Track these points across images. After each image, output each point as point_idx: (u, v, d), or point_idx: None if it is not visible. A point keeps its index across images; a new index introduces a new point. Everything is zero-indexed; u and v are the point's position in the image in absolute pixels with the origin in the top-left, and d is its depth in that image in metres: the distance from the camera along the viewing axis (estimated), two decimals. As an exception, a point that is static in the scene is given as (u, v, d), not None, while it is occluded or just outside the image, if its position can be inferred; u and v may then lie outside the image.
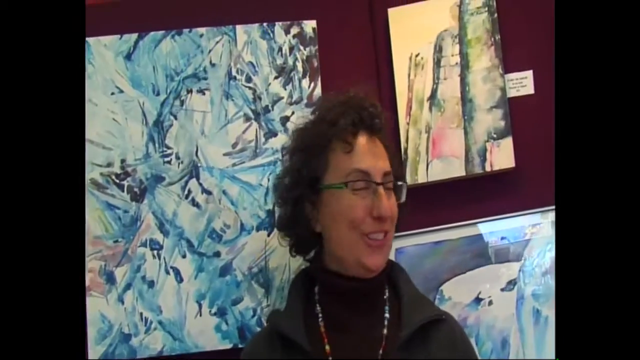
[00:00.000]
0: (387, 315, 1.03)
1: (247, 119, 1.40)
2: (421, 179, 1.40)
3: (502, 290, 1.43)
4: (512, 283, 1.43)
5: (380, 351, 0.99)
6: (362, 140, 1.04)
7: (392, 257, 1.41)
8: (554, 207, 1.40)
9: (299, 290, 1.07)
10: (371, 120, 1.05)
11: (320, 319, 1.00)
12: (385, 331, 1.01)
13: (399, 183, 1.08)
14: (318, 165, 1.02)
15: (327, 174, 1.01)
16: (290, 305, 1.05)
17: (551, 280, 1.44)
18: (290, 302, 1.06)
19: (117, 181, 1.36)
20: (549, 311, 1.43)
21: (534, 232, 1.44)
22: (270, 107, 1.40)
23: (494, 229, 1.44)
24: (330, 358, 0.96)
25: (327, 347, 0.97)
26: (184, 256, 1.35)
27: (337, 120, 1.03)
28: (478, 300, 1.44)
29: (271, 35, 1.41)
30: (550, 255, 1.44)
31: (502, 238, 1.44)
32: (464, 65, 1.40)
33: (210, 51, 1.41)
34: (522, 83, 1.43)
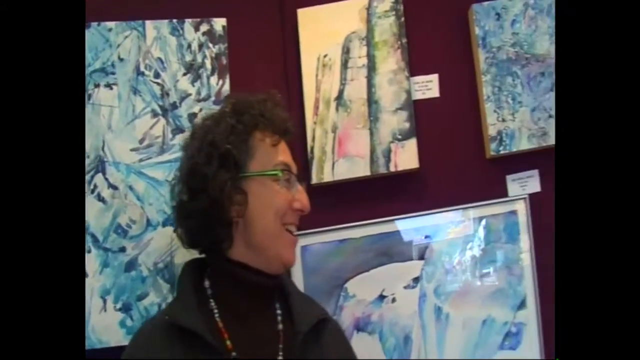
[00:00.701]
0: (278, 311, 1.04)
1: (155, 114, 1.40)
2: (327, 177, 1.42)
3: (405, 288, 1.47)
4: (414, 281, 1.47)
5: (280, 345, 1.00)
6: (280, 138, 1.04)
7: (297, 255, 1.43)
8: (456, 207, 1.45)
9: (190, 283, 1.03)
10: (286, 123, 1.06)
11: (216, 314, 0.98)
12: (280, 326, 1.02)
13: (304, 184, 1.08)
14: (244, 153, 0.99)
15: (252, 163, 1.00)
16: (184, 298, 1.01)
17: (453, 279, 1.48)
18: (184, 295, 1.02)
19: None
20: (450, 308, 1.47)
21: (436, 232, 1.48)
22: (178, 104, 1.40)
23: (398, 229, 1.47)
24: (233, 353, 0.95)
25: (229, 342, 0.96)
26: (89, 251, 1.34)
27: (264, 112, 1.03)
28: (382, 297, 1.47)
29: (181, 31, 1.41)
30: (453, 254, 1.48)
31: (406, 237, 1.47)
32: (371, 67, 1.43)
33: (118, 46, 1.40)
34: (428, 86, 1.47)
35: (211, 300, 1.00)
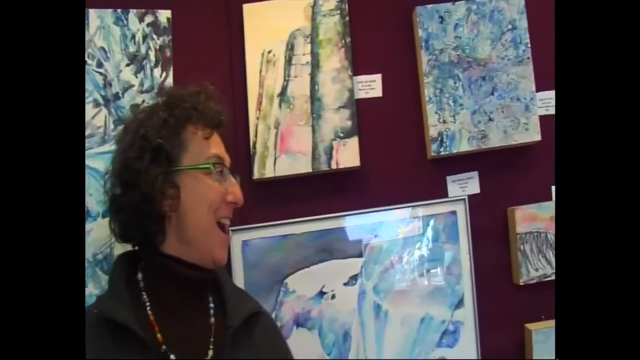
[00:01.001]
0: (211, 305, 1.04)
1: (97, 104, 1.38)
2: (268, 173, 1.42)
3: (345, 284, 1.48)
4: (354, 278, 1.48)
5: (212, 339, 1.00)
6: (212, 131, 1.04)
7: (238, 249, 1.43)
8: (397, 206, 1.47)
9: (122, 276, 1.02)
10: (219, 116, 1.05)
11: (148, 307, 0.97)
12: (212, 320, 1.02)
13: (238, 177, 1.07)
14: (176, 147, 0.98)
15: (184, 156, 0.98)
16: (116, 291, 1.00)
17: (392, 277, 1.50)
18: (116, 288, 1.00)
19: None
20: (389, 306, 1.49)
21: (377, 230, 1.50)
22: (120, 94, 1.39)
23: (338, 226, 1.48)
24: (164, 347, 0.94)
25: (159, 336, 0.95)
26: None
27: (197, 105, 1.02)
28: (321, 293, 1.47)
29: (125, 22, 1.41)
30: (392, 252, 1.50)
31: (346, 234, 1.49)
32: (315, 65, 1.44)
33: (61, 34, 1.38)
34: (371, 86, 1.49)
35: (143, 293, 0.98)
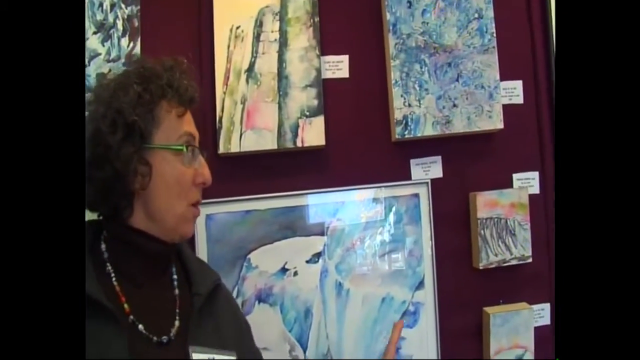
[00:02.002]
0: (175, 276, 1.04)
1: (62, 73, 1.37)
2: (234, 148, 1.43)
3: (307, 262, 1.49)
4: (317, 256, 1.49)
5: (177, 309, 1.00)
6: (186, 109, 1.04)
7: (202, 223, 1.43)
8: (360, 186, 1.49)
9: (87, 246, 0.99)
10: (193, 93, 1.05)
11: (113, 278, 0.96)
12: (177, 291, 1.02)
13: (205, 154, 1.05)
14: (150, 124, 0.97)
15: (157, 134, 0.97)
16: None
17: (354, 256, 1.51)
18: None
19: None
20: (351, 285, 1.50)
21: (340, 210, 1.52)
22: (87, 63, 1.38)
23: (302, 203, 1.49)
24: (131, 317, 0.93)
25: (126, 306, 0.94)
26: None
27: (172, 82, 1.00)
28: (284, 270, 1.48)
29: (93, -11, 1.40)
30: (354, 232, 1.51)
31: (309, 213, 1.50)
32: (283, 43, 1.46)
33: (27, 1, 1.38)
34: (338, 66, 1.51)
35: (108, 264, 0.97)
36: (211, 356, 0.98)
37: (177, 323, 0.98)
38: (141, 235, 0.97)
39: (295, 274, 1.47)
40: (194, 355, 0.95)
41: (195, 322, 0.98)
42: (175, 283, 1.02)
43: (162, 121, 0.98)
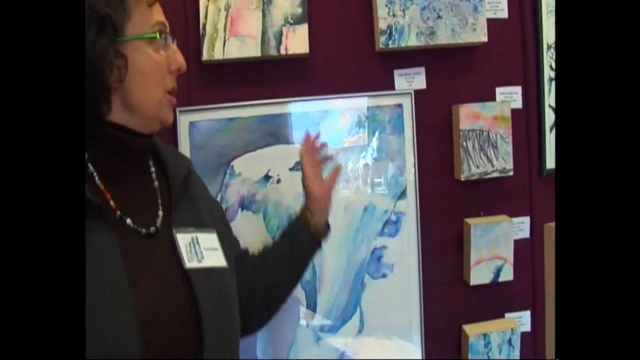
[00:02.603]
0: (152, 169, 1.05)
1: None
2: (217, 55, 1.43)
3: (291, 170, 1.51)
4: (300, 163, 1.50)
5: (159, 200, 1.02)
6: None
7: (185, 130, 1.45)
8: (343, 95, 1.50)
9: None
10: None
11: (96, 177, 0.96)
12: (156, 183, 1.04)
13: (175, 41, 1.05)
14: (121, 16, 0.94)
15: (129, 26, 0.95)
16: None
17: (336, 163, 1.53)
18: None
19: None
20: (333, 192, 1.51)
21: (323, 118, 1.53)
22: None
23: (286, 111, 1.51)
24: (118, 212, 0.95)
25: (112, 203, 0.95)
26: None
27: None
28: (267, 177, 1.51)
29: None
30: (337, 140, 1.53)
31: (293, 120, 1.52)
32: (265, -52, 1.45)
33: None
34: (322, -26, 1.50)
35: (89, 164, 0.97)
36: (194, 235, 1.01)
37: (160, 213, 1.00)
38: (122, 130, 0.98)
39: (279, 181, 1.49)
40: (178, 237, 0.98)
41: (175, 206, 1.01)
42: (154, 175, 1.04)
43: (133, 12, 0.96)
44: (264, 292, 1.21)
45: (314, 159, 1.28)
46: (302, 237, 1.24)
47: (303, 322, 1.53)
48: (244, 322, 1.07)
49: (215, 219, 1.11)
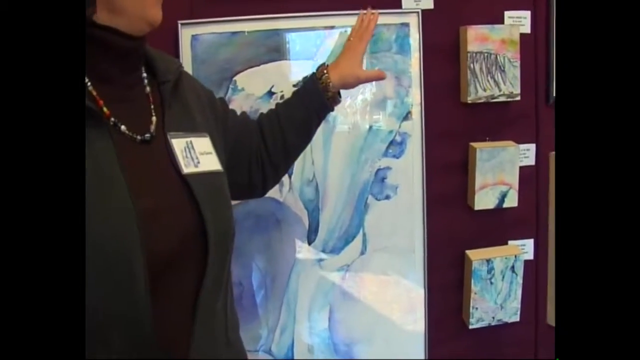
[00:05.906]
0: (144, 74, 1.03)
1: None
2: (221, -36, 1.40)
3: (295, 86, 1.48)
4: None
5: (152, 106, 1.00)
6: None
7: (187, 43, 1.43)
8: (348, 12, 1.46)
9: None
10: None
11: (88, 84, 0.92)
12: (148, 89, 1.01)
13: None
14: None
15: None
16: None
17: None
18: None
19: None
20: (337, 112, 1.49)
21: (328, 34, 1.50)
22: None
23: (291, 26, 1.48)
24: (112, 119, 0.93)
25: (105, 110, 0.93)
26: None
27: None
28: (270, 93, 1.48)
29: None
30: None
31: (298, 36, 1.49)
32: None
33: None
34: None
35: None
36: (189, 139, 0.99)
37: (154, 119, 0.98)
38: (109, 31, 0.95)
39: (282, 97, 1.47)
40: (173, 143, 0.97)
41: (167, 109, 0.99)
42: (146, 81, 1.02)
43: None
44: (280, 151, 1.22)
45: (365, 36, 1.27)
46: (318, 100, 1.23)
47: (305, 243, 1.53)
48: (253, 186, 1.18)
49: (208, 119, 1.09)
